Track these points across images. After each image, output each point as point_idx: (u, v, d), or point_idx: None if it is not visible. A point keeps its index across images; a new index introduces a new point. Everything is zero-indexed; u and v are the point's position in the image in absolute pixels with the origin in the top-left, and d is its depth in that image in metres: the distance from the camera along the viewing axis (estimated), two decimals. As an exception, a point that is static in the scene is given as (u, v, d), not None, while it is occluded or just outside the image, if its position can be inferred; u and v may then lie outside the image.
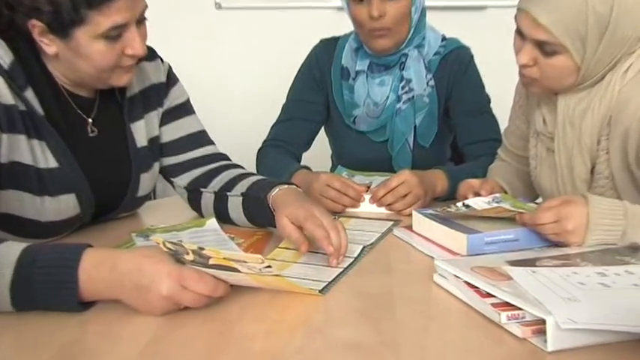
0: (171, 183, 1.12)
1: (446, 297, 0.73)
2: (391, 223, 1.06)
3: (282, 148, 1.35)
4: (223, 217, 1.03)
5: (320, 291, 0.74)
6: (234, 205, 1.01)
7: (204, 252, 0.65)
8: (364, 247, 0.91)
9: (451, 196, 1.15)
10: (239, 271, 0.66)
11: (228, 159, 1.13)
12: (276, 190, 0.92)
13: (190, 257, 0.66)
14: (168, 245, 0.67)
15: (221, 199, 1.03)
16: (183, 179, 1.09)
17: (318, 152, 1.49)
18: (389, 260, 0.88)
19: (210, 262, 0.65)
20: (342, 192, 1.12)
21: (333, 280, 0.78)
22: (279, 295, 0.73)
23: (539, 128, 1.05)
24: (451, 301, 0.71)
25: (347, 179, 1.16)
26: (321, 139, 1.47)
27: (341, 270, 0.82)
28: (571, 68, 0.92)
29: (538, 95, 1.04)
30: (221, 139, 1.21)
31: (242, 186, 1.01)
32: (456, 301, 0.71)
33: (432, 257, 0.85)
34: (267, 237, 0.97)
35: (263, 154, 1.35)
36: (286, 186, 0.94)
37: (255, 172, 1.26)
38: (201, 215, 1.09)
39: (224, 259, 0.65)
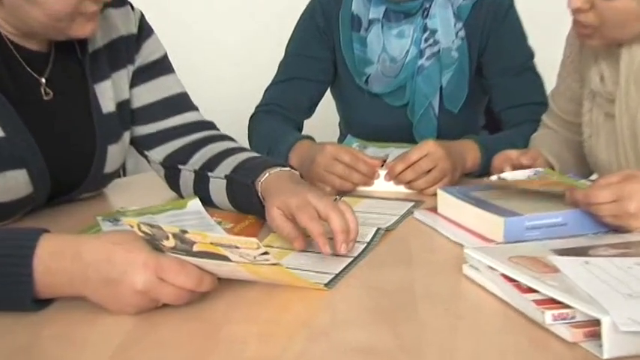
0: (146, 157, 1.12)
1: (478, 293, 0.72)
2: (411, 204, 1.06)
3: (279, 114, 1.34)
4: (205, 200, 1.03)
5: (326, 285, 0.74)
6: (217, 188, 1.01)
7: (187, 236, 0.64)
8: (378, 230, 0.91)
9: (484, 172, 1.15)
10: (229, 260, 0.66)
11: (215, 128, 1.12)
12: (265, 176, 0.92)
13: (171, 243, 0.66)
14: (144, 228, 0.66)
15: (201, 179, 1.03)
16: (159, 153, 1.09)
17: (323, 119, 1.49)
18: (409, 249, 0.88)
19: (195, 248, 0.65)
20: (352, 167, 1.11)
21: (341, 272, 0.78)
22: (276, 290, 0.73)
23: (596, 88, 1.03)
24: (484, 298, 0.71)
25: (358, 151, 1.15)
26: (327, 103, 1.46)
27: (350, 260, 0.81)
28: (638, 12, 0.90)
29: (595, 47, 1.02)
30: (206, 104, 1.20)
31: (227, 166, 1.00)
32: (491, 297, 0.71)
33: (462, 245, 0.84)
34: (262, 221, 0.96)
35: (256, 121, 1.35)
36: (278, 169, 0.93)
37: (246, 143, 1.25)
38: (180, 196, 1.09)
39: (211, 244, 0.64)
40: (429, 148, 1.11)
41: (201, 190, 1.03)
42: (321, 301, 0.72)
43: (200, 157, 1.05)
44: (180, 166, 1.06)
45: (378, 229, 0.91)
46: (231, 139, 1.10)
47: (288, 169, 0.94)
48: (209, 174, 1.02)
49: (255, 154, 1.02)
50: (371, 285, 0.76)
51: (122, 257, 0.65)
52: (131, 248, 0.66)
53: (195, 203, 1.01)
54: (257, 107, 1.38)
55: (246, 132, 1.34)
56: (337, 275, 0.77)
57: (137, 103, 1.08)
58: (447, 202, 0.97)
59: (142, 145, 1.10)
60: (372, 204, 1.06)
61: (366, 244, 0.86)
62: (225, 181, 0.99)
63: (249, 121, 1.36)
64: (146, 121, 1.09)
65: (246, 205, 0.96)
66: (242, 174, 0.96)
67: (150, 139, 1.09)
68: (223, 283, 0.72)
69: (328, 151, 1.11)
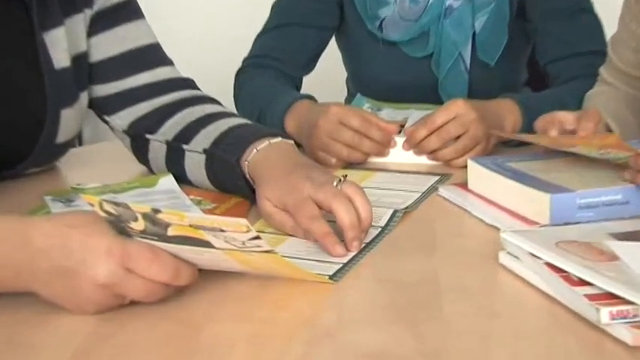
0: (107, 123, 1.12)
1: (517, 286, 0.73)
2: (436, 178, 1.06)
3: (272, 68, 1.34)
4: (181, 178, 1.03)
5: (331, 277, 0.75)
6: (194, 164, 1.01)
7: (159, 216, 0.65)
8: (395, 212, 0.91)
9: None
10: (212, 247, 0.66)
11: (193, 87, 1.12)
12: (252, 153, 0.92)
13: (140, 225, 0.66)
14: (107, 207, 0.67)
15: (175, 153, 1.03)
16: (123, 118, 1.09)
17: (327, 75, 1.48)
18: (432, 232, 0.88)
19: (170, 232, 0.65)
20: (363, 133, 1.11)
21: (349, 262, 0.78)
22: (270, 284, 0.73)
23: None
24: (525, 292, 0.71)
25: (370, 114, 1.15)
26: (331, 54, 1.45)
27: (361, 247, 0.82)
28: None
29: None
30: (183, 58, 1.20)
31: (206, 136, 1.00)
32: (533, 291, 0.71)
33: (497, 228, 0.84)
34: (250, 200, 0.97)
35: (244, 77, 1.35)
36: (267, 142, 0.93)
37: (232, 104, 1.25)
38: (150, 170, 1.09)
39: (190, 226, 0.65)
40: (458, 109, 1.10)
41: (175, 166, 1.03)
42: (326, 297, 0.72)
43: (174, 124, 1.05)
44: (148, 136, 1.07)
45: (395, 211, 0.91)
46: (214, 101, 1.10)
47: (279, 139, 0.94)
48: (184, 147, 1.02)
49: (242, 121, 1.02)
50: (386, 277, 0.77)
51: (80, 243, 0.66)
52: (91, 232, 0.66)
53: (167, 180, 1.01)
54: (245, 60, 1.37)
55: (229, 91, 1.34)
56: (345, 265, 0.78)
57: (97, 56, 1.08)
58: (480, 175, 0.97)
59: (102, 108, 1.10)
60: (387, 179, 1.06)
61: (380, 229, 0.87)
62: (204, 156, 0.99)
63: (236, 77, 1.36)
64: (107, 78, 1.08)
65: (231, 186, 0.96)
66: (224, 149, 0.96)
67: (112, 100, 1.09)
68: (206, 274, 0.72)
69: (333, 113, 1.11)
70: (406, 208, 0.94)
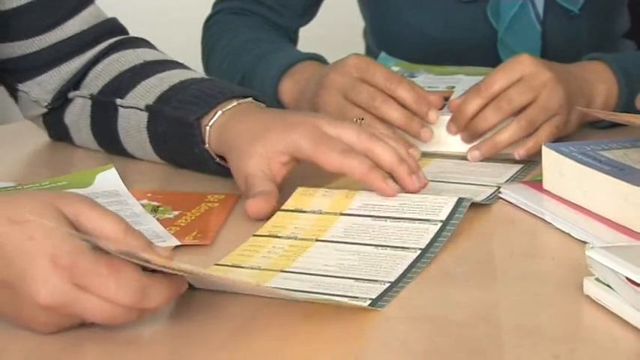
0: (15, 96, 1.15)
1: (609, 328, 0.73)
2: (518, 167, 1.08)
3: (255, 15, 1.36)
4: (113, 147, 1.08)
5: (372, 303, 0.77)
6: (131, 125, 1.05)
7: (139, 255, 0.69)
8: (461, 201, 0.91)
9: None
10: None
11: (121, 28, 1.16)
12: (216, 115, 0.96)
13: (112, 247, 0.69)
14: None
15: (104, 110, 1.07)
16: (45, 85, 1.12)
17: (335, 26, 1.52)
18: (491, 251, 0.90)
19: (154, 266, 0.70)
20: (391, 94, 1.10)
21: (397, 283, 0.80)
22: (282, 310, 0.76)
23: None
24: (620, 337, 0.72)
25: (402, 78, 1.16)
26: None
27: (414, 257, 0.84)
28: None
29: None
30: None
31: (147, 90, 1.04)
32: (632, 335, 0.72)
33: (584, 243, 0.84)
34: (228, 204, 0.99)
35: (217, 29, 1.37)
36: (235, 102, 0.97)
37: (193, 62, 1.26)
38: (70, 141, 1.13)
39: (179, 270, 0.70)
40: (524, 68, 1.10)
41: (104, 129, 1.08)
42: (342, 339, 0.73)
43: (99, 73, 1.09)
44: (70, 94, 1.11)
45: (460, 200, 0.92)
46: (148, 44, 1.14)
47: (249, 99, 0.98)
48: (117, 101, 1.06)
49: (196, 74, 1.06)
50: (424, 313, 0.78)
51: (19, 247, 0.68)
52: (35, 231, 0.68)
53: (108, 176, 1.03)
54: (217, 3, 1.40)
55: (193, 51, 1.37)
56: (391, 287, 0.80)
57: (5, 4, 1.10)
58: (561, 168, 0.98)
59: (12, 74, 1.13)
60: (447, 168, 1.09)
61: (439, 224, 0.88)
62: (146, 114, 1.03)
63: (204, 28, 1.38)
64: (25, 32, 1.11)
65: (183, 156, 1.01)
66: (176, 106, 1.00)
67: (30, 62, 1.11)
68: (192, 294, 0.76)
69: (351, 64, 1.12)
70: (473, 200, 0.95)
